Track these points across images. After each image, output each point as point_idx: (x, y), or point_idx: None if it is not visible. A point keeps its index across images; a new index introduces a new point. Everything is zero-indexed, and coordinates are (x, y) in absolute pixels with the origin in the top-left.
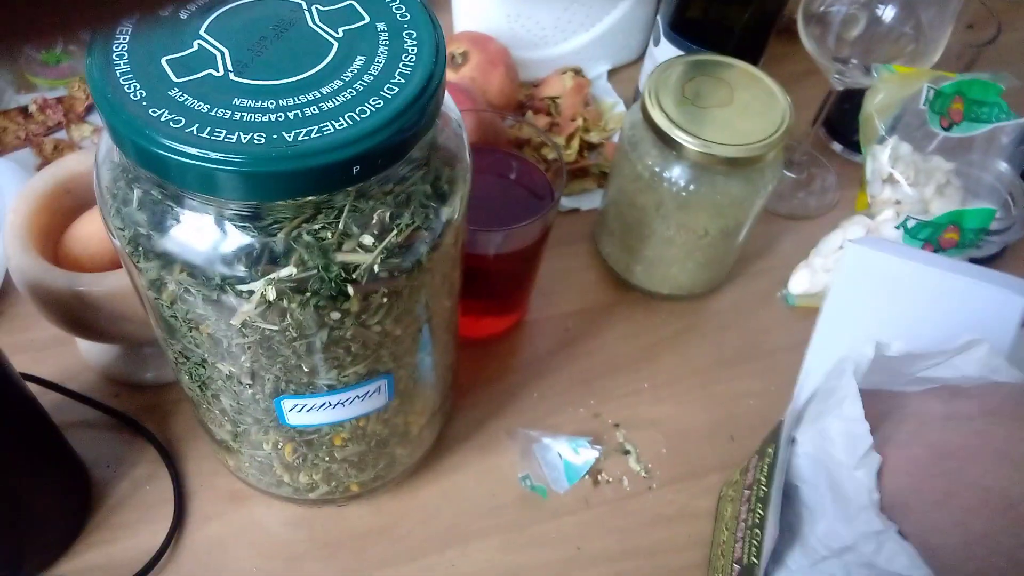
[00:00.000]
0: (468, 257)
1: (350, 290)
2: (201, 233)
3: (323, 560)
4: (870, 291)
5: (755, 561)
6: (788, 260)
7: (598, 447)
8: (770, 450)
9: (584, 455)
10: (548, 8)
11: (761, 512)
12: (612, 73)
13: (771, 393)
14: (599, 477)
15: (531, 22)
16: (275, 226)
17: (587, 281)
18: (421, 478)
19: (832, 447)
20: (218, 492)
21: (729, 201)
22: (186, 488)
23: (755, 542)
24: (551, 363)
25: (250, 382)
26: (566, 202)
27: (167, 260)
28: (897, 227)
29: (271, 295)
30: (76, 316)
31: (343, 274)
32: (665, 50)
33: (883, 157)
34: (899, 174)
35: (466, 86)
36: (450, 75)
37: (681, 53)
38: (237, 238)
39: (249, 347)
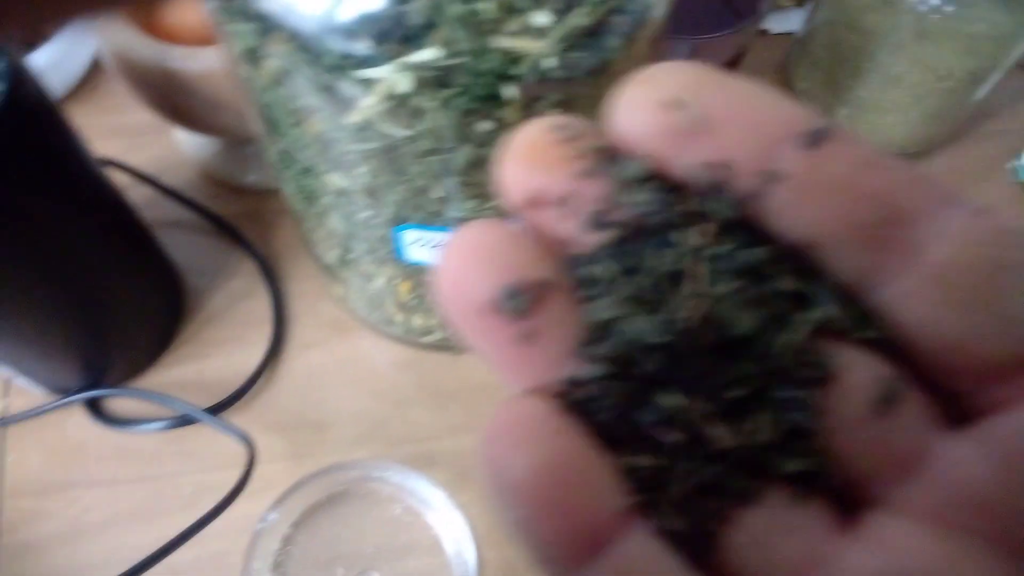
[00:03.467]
0: None
1: (509, 91)
2: None
3: (432, 410)
4: None
5: None
6: None
7: None
8: None
9: None
10: None
11: None
12: None
13: None
14: None
15: None
16: None
17: None
18: None
19: None
20: (320, 319)
21: (990, 33)
22: (286, 310)
23: None
24: None
25: (366, 202)
26: None
27: (267, 24)
28: None
29: (402, 86)
30: (167, 97)
31: (503, 67)
32: None
33: None
34: None
35: None
36: None
37: None
38: (362, 0)
39: (368, 157)
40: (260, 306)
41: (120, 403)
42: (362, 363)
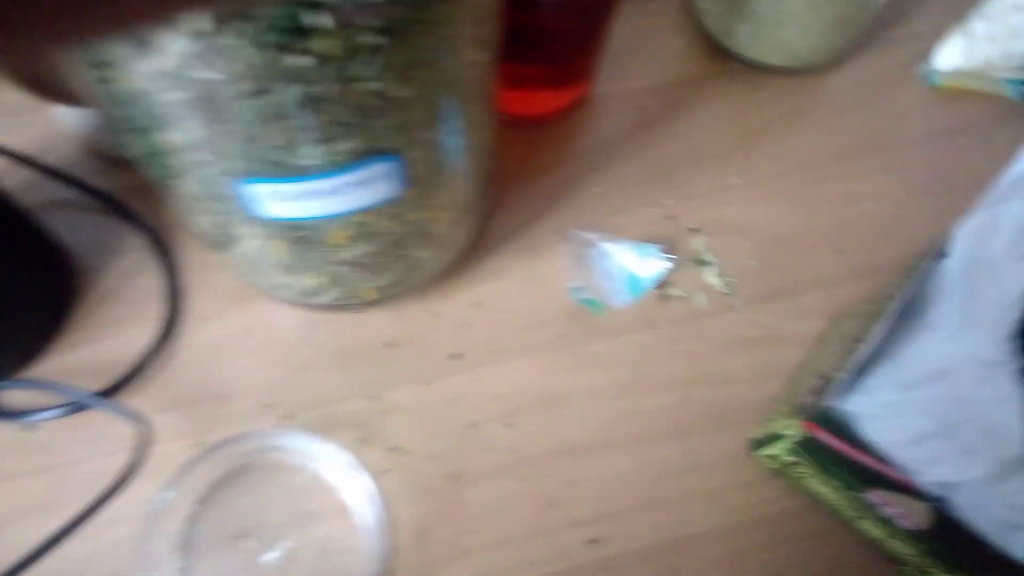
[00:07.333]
0: (519, 11)
1: (318, 19)
2: None
3: (335, 371)
4: None
5: (837, 375)
6: (935, 27)
7: (671, 257)
8: (921, 264)
9: (652, 265)
10: None
11: (869, 325)
12: None
13: (895, 196)
14: (669, 292)
15: None
16: None
17: (673, 47)
18: (452, 285)
19: (995, 238)
20: (217, 290)
21: None
22: (181, 283)
23: (848, 356)
24: (619, 151)
25: (209, 158)
26: None
27: None
28: None
29: (205, 24)
30: (26, 67)
31: None
32: None
33: None
34: None
35: None
36: None
37: None
38: None
39: (191, 107)
40: (153, 281)
41: (12, 394)
42: (261, 331)
